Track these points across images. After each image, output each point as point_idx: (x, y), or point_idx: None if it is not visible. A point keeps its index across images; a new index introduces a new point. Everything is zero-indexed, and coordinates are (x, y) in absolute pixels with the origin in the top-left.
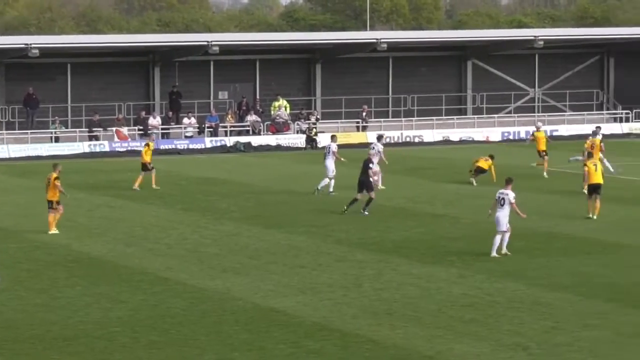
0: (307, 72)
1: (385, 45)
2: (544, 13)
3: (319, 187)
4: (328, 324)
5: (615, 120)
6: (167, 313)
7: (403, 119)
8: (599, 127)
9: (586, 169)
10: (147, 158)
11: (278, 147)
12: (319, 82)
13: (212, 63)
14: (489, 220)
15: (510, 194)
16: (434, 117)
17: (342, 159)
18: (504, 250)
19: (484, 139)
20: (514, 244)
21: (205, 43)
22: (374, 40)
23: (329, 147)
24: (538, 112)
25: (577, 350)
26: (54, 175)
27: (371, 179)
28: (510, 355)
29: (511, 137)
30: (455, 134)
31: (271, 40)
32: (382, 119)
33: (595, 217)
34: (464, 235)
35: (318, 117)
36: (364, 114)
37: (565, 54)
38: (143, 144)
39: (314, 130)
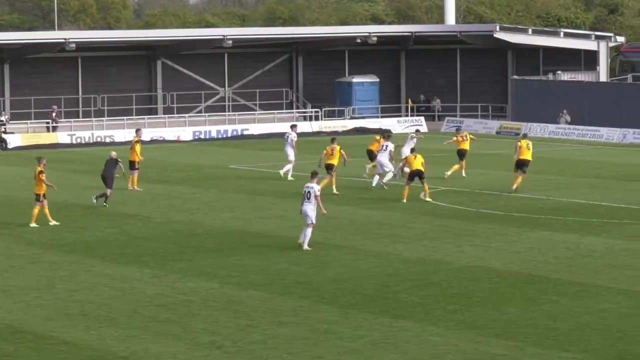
0: None
1: (73, 45)
2: (233, 13)
3: (283, 173)
4: (21, 326)
5: (305, 118)
6: None
7: (94, 119)
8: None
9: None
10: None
11: None
12: (7, 83)
13: None
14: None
15: (315, 187)
16: (125, 117)
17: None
18: (306, 246)
19: (175, 138)
20: (209, 244)
21: None
22: (63, 40)
23: (288, 136)
24: (229, 111)
25: (273, 347)
26: (39, 168)
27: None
28: (205, 354)
29: (202, 136)
30: (146, 134)
31: None
32: (72, 119)
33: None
34: (157, 235)
35: (7, 117)
36: (54, 114)
37: (255, 53)
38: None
39: (3, 130)
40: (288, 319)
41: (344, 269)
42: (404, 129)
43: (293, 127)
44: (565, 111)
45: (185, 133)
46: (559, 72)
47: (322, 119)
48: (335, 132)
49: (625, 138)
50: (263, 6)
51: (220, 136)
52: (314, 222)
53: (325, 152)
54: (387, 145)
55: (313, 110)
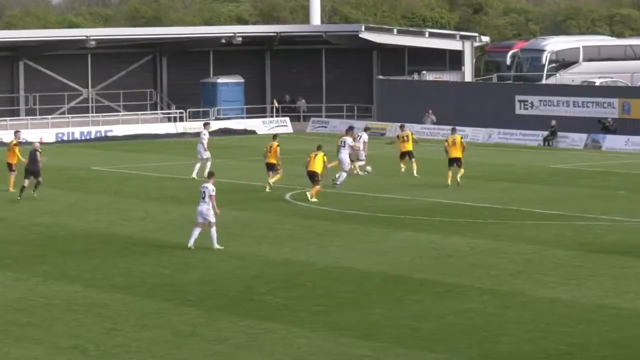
0: None
1: None
2: (97, 13)
3: (195, 175)
4: None
5: (169, 119)
6: None
7: None
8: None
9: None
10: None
11: None
12: None
13: None
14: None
15: (210, 187)
16: None
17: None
18: (216, 245)
19: (38, 140)
20: (72, 246)
21: None
22: None
23: (201, 133)
24: (92, 112)
25: (136, 350)
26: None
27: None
28: (67, 358)
29: (65, 138)
30: (8, 136)
31: None
32: None
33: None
34: (19, 237)
35: None
36: None
37: (119, 53)
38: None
39: None
40: (152, 321)
41: (208, 270)
42: (268, 129)
43: (206, 125)
44: (430, 111)
45: (48, 134)
46: (424, 72)
47: (186, 120)
48: (221, 132)
49: (490, 138)
50: (126, 6)
51: (83, 138)
52: (213, 220)
53: (265, 149)
54: (344, 141)
55: (177, 111)
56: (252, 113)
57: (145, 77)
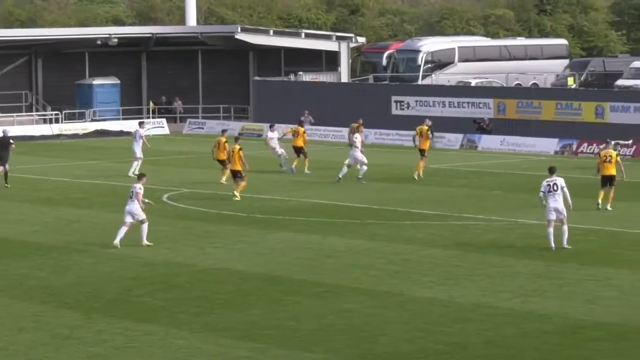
0: None
1: None
2: None
3: (131, 173)
4: None
5: (45, 121)
6: None
7: None
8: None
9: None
10: None
11: None
12: None
13: None
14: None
15: (136, 186)
16: None
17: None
18: (145, 241)
19: None
20: None
21: None
22: None
23: (137, 133)
24: None
25: (13, 354)
26: None
27: None
28: None
29: None
30: None
31: None
32: None
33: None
34: None
35: None
36: None
37: None
38: None
39: None
40: (29, 324)
41: (85, 273)
42: (145, 131)
43: (141, 124)
44: (307, 112)
45: None
46: (301, 72)
47: (62, 122)
48: (97, 134)
49: (367, 138)
50: (1, 8)
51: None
52: (143, 217)
53: (214, 145)
54: (356, 137)
55: (53, 112)
56: (128, 114)
57: (21, 79)
